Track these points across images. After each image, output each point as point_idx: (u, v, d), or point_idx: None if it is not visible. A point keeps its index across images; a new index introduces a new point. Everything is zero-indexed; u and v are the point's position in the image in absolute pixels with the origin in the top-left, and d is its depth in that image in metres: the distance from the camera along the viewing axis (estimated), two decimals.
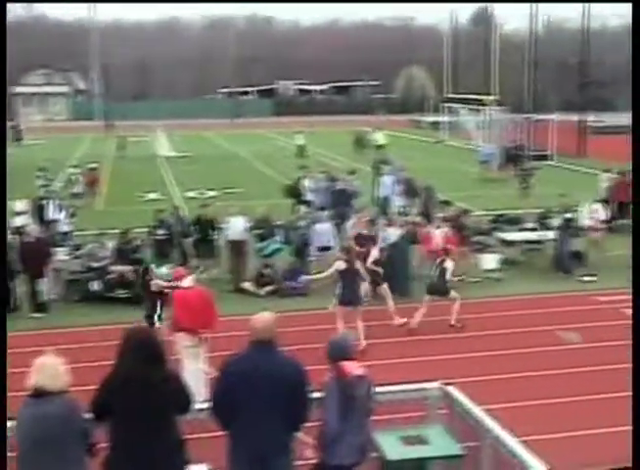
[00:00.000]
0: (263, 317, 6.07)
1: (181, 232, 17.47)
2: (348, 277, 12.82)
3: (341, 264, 12.86)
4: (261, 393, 5.81)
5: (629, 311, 14.79)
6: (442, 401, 7.00)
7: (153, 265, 13.93)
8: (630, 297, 15.62)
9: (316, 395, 6.23)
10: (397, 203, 22.30)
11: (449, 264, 13.80)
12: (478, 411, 6.56)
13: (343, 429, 6.10)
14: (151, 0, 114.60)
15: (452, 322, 13.76)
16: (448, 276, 13.85)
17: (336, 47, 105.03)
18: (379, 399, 6.55)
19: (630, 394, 6.25)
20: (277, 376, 5.85)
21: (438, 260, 13.88)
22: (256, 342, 5.90)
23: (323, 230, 16.94)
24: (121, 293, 15.62)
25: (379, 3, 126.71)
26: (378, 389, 6.55)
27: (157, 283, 12.56)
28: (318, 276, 14.38)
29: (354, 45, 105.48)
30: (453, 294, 13.88)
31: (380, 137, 44.26)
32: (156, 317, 12.46)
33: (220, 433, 6.22)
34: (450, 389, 6.99)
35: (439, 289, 13.76)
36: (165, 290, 12.00)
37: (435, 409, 7.01)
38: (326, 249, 16.78)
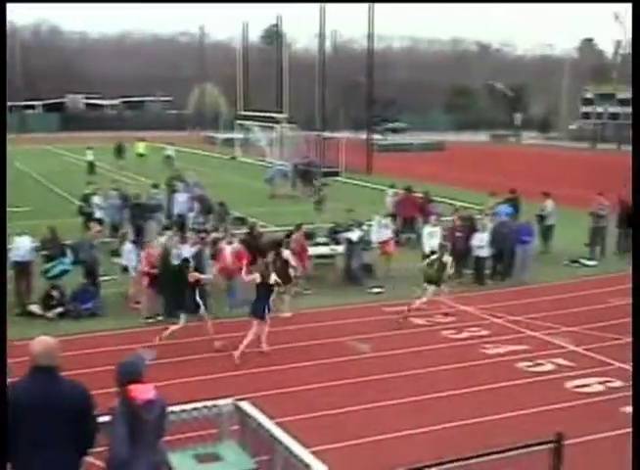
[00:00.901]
0: (42, 342, 5.75)
1: None
2: (260, 291, 13.39)
3: (257, 277, 13.42)
4: (42, 421, 5.54)
5: (415, 320, 15.58)
6: (235, 417, 7.02)
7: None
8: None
9: (105, 419, 6.04)
10: (192, 219, 22.24)
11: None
12: (270, 425, 6.63)
13: (133, 453, 5.95)
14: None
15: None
16: None
17: (126, 61, 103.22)
18: (172, 419, 6.47)
19: (630, 394, 6.59)
20: (58, 403, 5.58)
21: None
22: (36, 368, 5.63)
23: (129, 248, 16.62)
24: None
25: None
26: (171, 408, 6.46)
27: (193, 275, 13.48)
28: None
29: (146, 60, 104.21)
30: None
31: (141, 147, 46.63)
32: (202, 306, 13.31)
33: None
34: (243, 404, 7.02)
35: None
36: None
37: (229, 426, 7.02)
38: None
